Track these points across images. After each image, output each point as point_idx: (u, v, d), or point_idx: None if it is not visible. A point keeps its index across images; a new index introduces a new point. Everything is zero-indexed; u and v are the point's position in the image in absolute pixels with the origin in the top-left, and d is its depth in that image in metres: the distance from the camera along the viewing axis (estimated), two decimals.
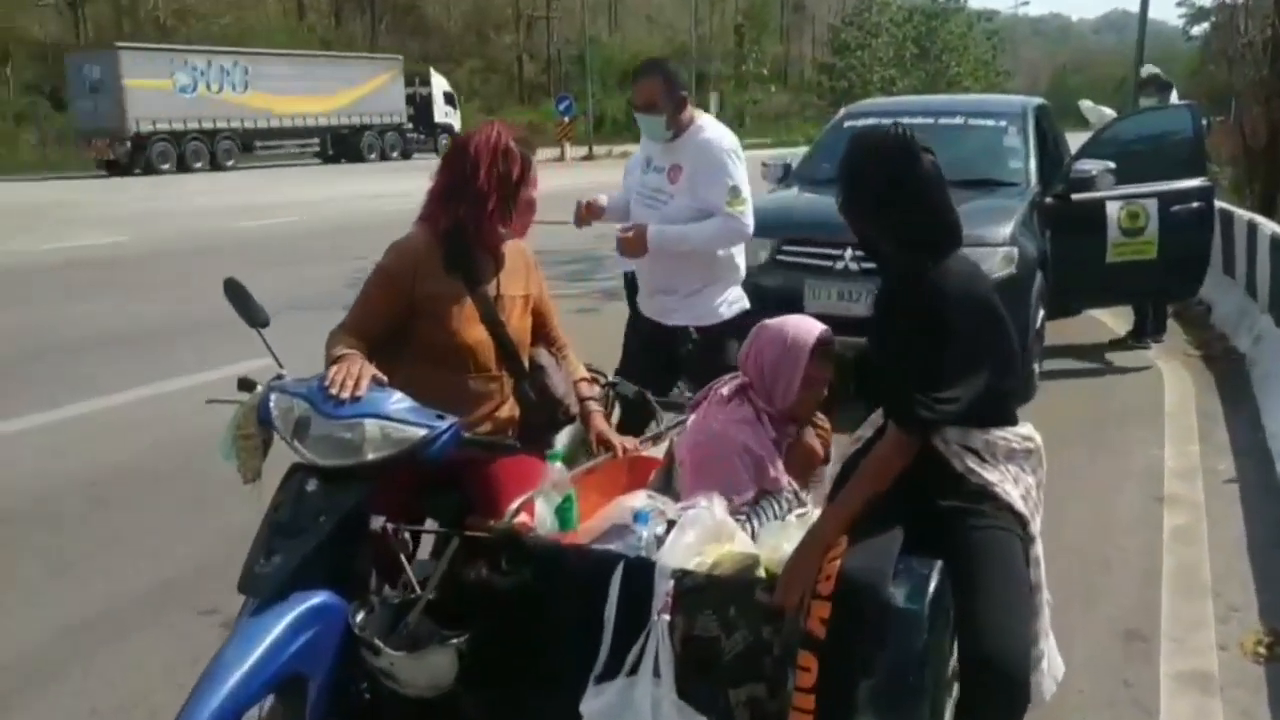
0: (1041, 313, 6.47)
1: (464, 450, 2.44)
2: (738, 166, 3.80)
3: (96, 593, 3.93)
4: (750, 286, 6.32)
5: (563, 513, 2.38)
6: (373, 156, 36.81)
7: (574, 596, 2.26)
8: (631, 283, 4.51)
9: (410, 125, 38.90)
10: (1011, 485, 2.36)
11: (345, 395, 2.32)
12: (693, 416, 2.88)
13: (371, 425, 2.31)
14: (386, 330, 2.74)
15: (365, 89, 36.66)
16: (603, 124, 44.77)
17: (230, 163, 32.72)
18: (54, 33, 42.33)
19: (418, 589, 2.40)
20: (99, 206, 19.99)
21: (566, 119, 37.39)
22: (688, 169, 3.81)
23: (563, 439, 2.99)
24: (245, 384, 2.50)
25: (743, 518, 2.50)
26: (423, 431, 2.33)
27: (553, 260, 10.25)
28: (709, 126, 3.87)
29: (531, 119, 48.86)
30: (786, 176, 7.60)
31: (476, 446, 2.47)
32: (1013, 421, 2.45)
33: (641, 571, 2.21)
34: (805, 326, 2.78)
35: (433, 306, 2.70)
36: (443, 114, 39.67)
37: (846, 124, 7.65)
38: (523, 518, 2.42)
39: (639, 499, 2.62)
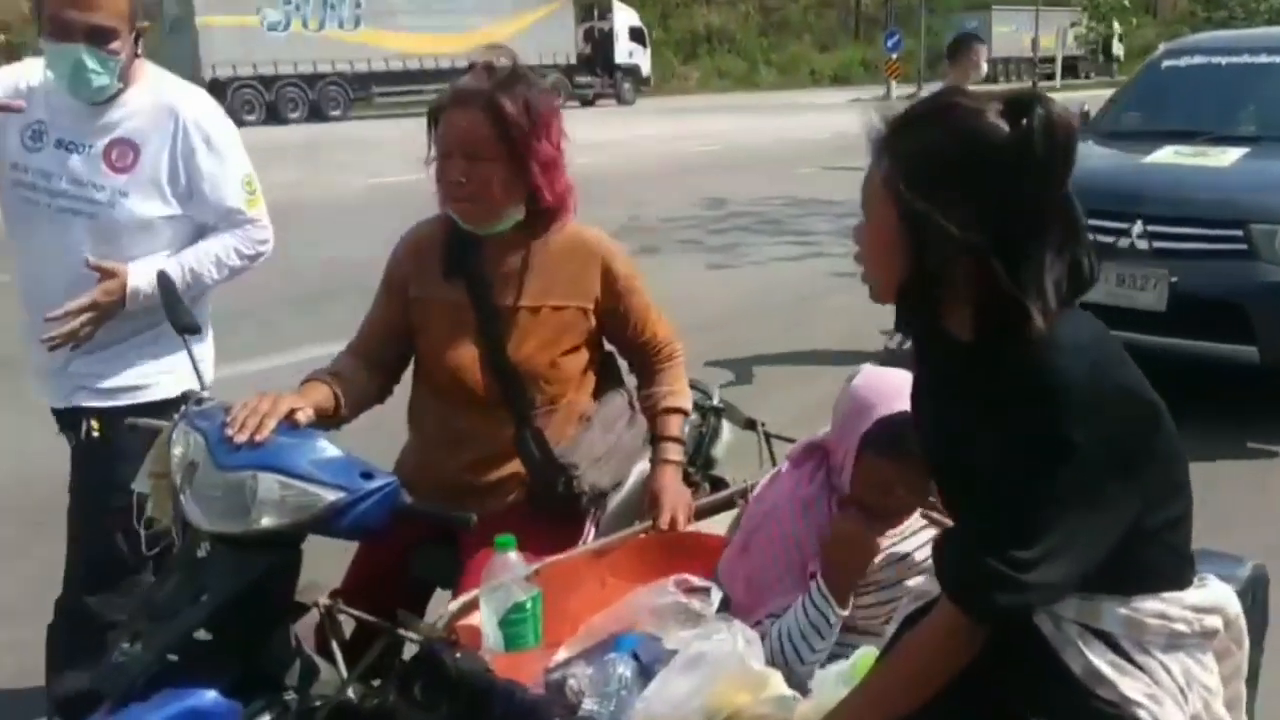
0: None
1: (410, 519, 1.82)
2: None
3: None
4: None
5: (513, 625, 1.69)
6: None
7: None
8: None
9: (581, 66, 33.08)
10: (1173, 705, 1.43)
11: (242, 437, 1.75)
12: (764, 479, 2.10)
13: (268, 481, 1.72)
14: (389, 346, 2.17)
15: (520, 23, 29.95)
16: (939, 61, 42.20)
17: (336, 113, 28.16)
18: None
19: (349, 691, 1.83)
20: None
21: (894, 56, 35.33)
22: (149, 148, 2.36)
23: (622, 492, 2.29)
24: (184, 400, 2.00)
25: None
26: (331, 496, 1.72)
27: None
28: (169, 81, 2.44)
29: (865, 55, 46.94)
30: (1083, 127, 6.32)
31: (420, 516, 1.83)
32: (1181, 582, 1.51)
33: None
34: (881, 392, 1.85)
35: (422, 316, 2.09)
36: (626, 54, 34.01)
37: (1165, 64, 6.27)
38: (474, 620, 1.77)
39: (657, 596, 1.90)
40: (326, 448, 1.79)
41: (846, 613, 1.83)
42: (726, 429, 2.64)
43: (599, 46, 33.77)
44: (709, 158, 17.20)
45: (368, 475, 1.76)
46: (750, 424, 2.58)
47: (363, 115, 28.22)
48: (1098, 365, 1.39)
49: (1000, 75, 36.23)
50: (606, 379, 2.25)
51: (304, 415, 1.84)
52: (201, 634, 1.78)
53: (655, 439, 2.21)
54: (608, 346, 2.26)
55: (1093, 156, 5.71)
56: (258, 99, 26.93)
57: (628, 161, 16.30)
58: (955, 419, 1.48)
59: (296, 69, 27.40)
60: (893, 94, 33.65)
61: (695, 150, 18.17)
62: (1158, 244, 4.77)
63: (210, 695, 1.73)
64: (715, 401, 2.61)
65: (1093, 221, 5.15)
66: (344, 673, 1.84)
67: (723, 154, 17.74)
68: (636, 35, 34.53)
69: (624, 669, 1.66)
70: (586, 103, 32.09)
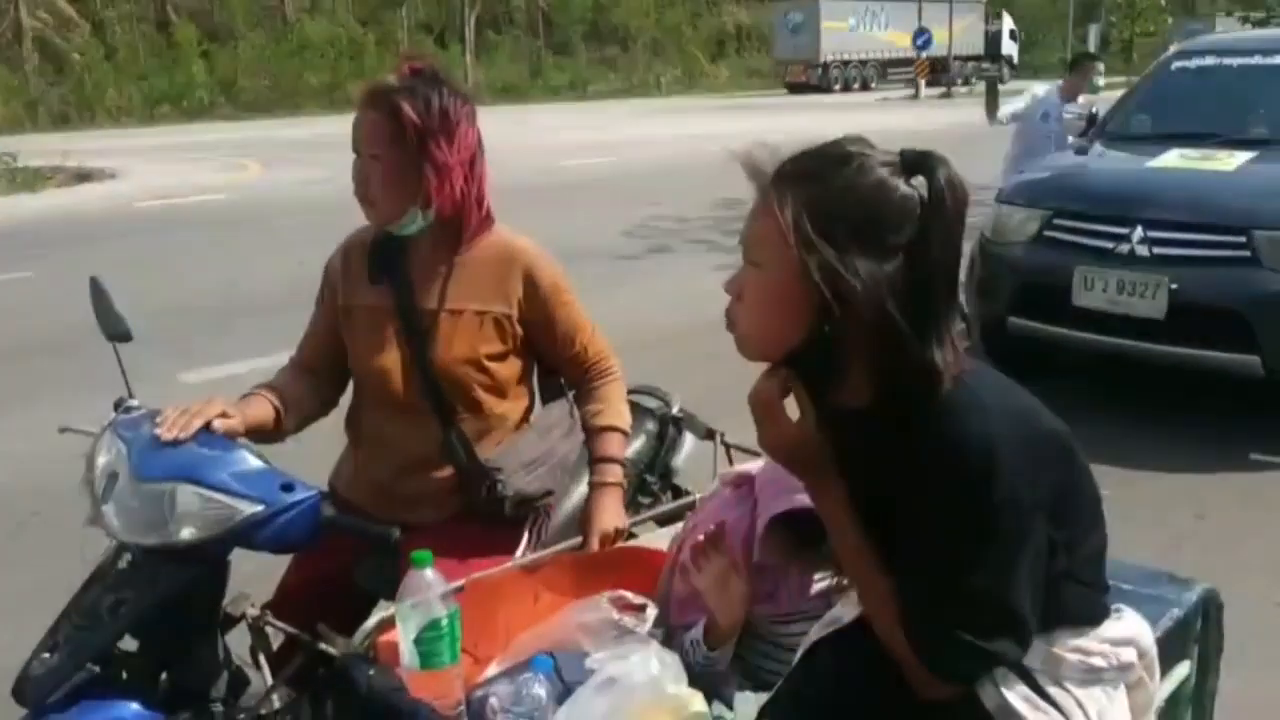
0: None
1: (333, 533, 1.80)
2: None
3: None
4: (1007, 267, 5.26)
5: (429, 643, 1.66)
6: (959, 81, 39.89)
7: None
8: None
9: (984, 55, 43.48)
10: None
11: (169, 435, 1.75)
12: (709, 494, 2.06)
13: (186, 493, 1.71)
14: (326, 355, 2.17)
15: (956, 29, 40.46)
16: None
17: (873, 84, 41.13)
18: None
19: (276, 702, 1.81)
20: None
21: (923, 55, 35.05)
22: None
23: (569, 504, 2.27)
24: (117, 407, 1.99)
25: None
26: (250, 509, 1.71)
27: None
28: None
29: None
30: (1090, 129, 6.22)
31: (342, 530, 1.81)
32: (1098, 617, 1.47)
33: None
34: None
35: (349, 321, 2.08)
36: (1008, 47, 44.15)
37: (1175, 65, 6.16)
38: (391, 636, 1.74)
39: (590, 612, 1.87)
40: (247, 459, 1.78)
41: (716, 654, 1.79)
42: (689, 439, 2.61)
43: (992, 42, 44.24)
44: (762, 150, 17.12)
45: (288, 488, 1.75)
46: (710, 434, 2.55)
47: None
48: (1015, 415, 1.35)
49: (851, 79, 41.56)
50: (548, 392, 2.23)
51: (221, 423, 1.83)
52: (124, 645, 1.78)
53: (591, 459, 2.17)
54: None
55: (1095, 160, 5.64)
56: (840, 75, 40.78)
57: (645, 162, 16.27)
58: (872, 484, 1.41)
59: (858, 56, 41.53)
60: (921, 93, 33.39)
61: (714, 150, 18.10)
62: (1158, 250, 4.66)
63: (132, 707, 1.73)
64: (675, 411, 2.58)
65: (1092, 226, 5.08)
66: (268, 683, 1.83)
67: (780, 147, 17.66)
68: (1012, 35, 45.06)
69: (538, 689, 1.63)
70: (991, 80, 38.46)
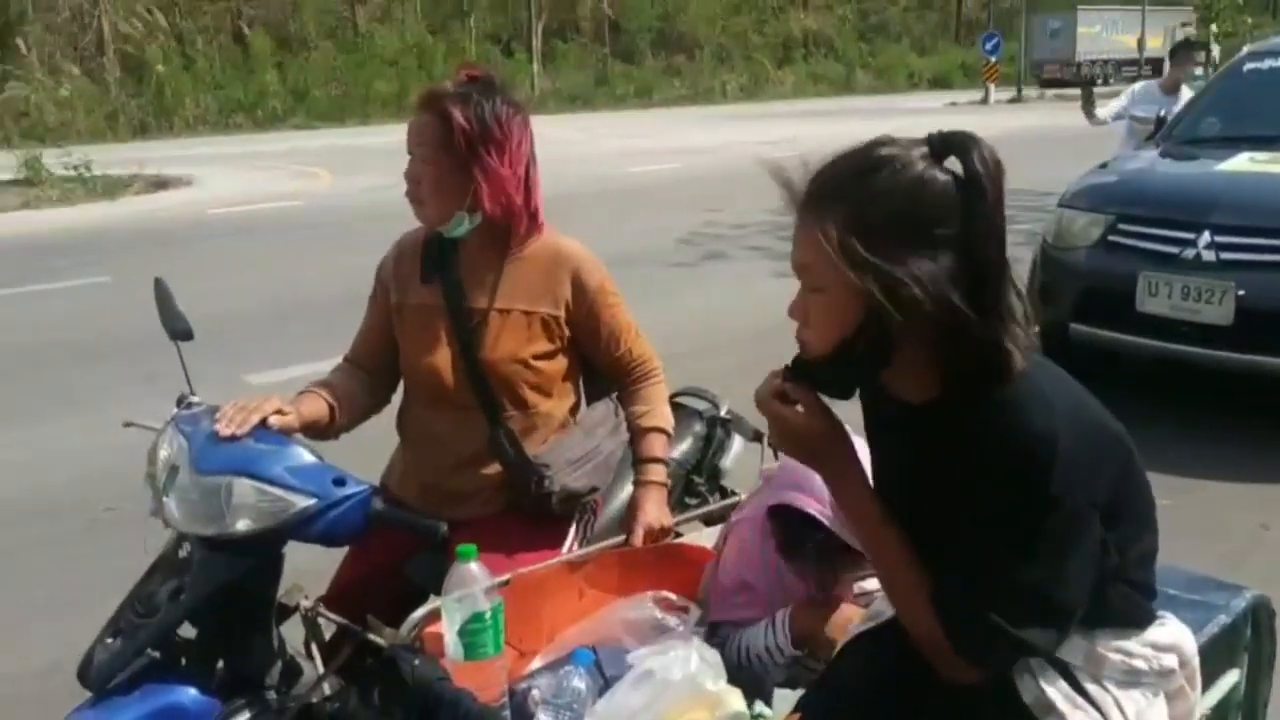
0: None
1: (383, 526, 1.85)
2: None
3: None
4: (1069, 273, 5.18)
5: (472, 634, 1.70)
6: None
7: None
8: None
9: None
10: None
11: (227, 431, 1.81)
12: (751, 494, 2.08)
13: (243, 486, 1.77)
14: (380, 353, 2.23)
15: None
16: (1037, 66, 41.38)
17: (1111, 80, 40.06)
18: None
19: (326, 690, 1.87)
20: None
21: (993, 59, 34.58)
22: None
23: (615, 502, 2.30)
24: (179, 402, 2.07)
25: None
26: (303, 502, 1.76)
27: None
28: None
29: (965, 60, 46.00)
30: (1158, 132, 6.11)
31: (391, 524, 1.86)
32: (1144, 620, 1.46)
33: None
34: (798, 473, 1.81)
35: (401, 320, 2.14)
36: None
37: (1247, 66, 6.03)
38: (437, 627, 1.79)
39: (633, 610, 1.90)
40: (301, 454, 1.84)
41: (801, 653, 1.82)
42: (737, 441, 2.63)
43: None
44: (793, 163, 17.06)
45: (340, 482, 1.80)
46: (758, 435, 2.56)
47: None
48: (1077, 411, 1.35)
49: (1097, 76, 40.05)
50: (594, 391, 2.26)
51: (277, 419, 1.89)
52: (184, 633, 1.85)
53: (635, 459, 2.20)
54: None
55: (1161, 163, 5.54)
56: (1089, 71, 40.15)
57: (708, 168, 16.27)
58: (925, 478, 1.42)
59: (1100, 57, 43.60)
60: (991, 98, 32.95)
61: (780, 155, 18.03)
62: (1225, 255, 4.57)
63: (190, 692, 1.79)
64: (723, 412, 2.60)
65: (1157, 231, 5.00)
66: (319, 673, 1.89)
67: (810, 159, 17.57)
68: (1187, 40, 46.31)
69: (578, 681, 1.67)
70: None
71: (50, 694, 1.79)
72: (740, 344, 6.01)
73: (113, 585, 1.91)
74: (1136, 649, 1.45)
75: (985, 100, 32.83)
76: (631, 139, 22.59)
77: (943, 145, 1.32)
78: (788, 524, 1.82)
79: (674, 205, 12.32)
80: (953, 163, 1.31)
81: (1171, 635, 1.50)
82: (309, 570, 2.09)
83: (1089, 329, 5.01)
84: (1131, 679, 1.44)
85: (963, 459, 1.35)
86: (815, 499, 1.78)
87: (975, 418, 1.33)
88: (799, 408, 1.40)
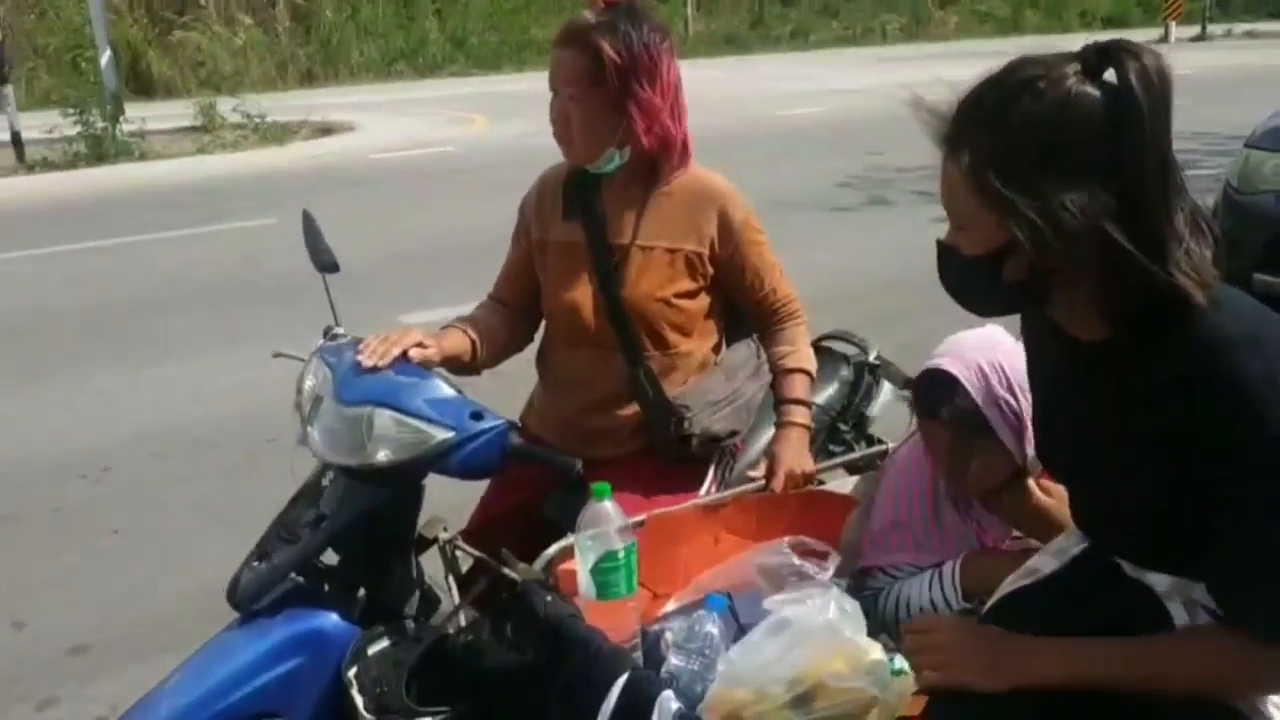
0: None
1: (525, 461, 1.83)
2: None
3: None
4: (1254, 218, 4.80)
5: (605, 573, 1.68)
6: None
7: (571, 699, 1.58)
8: None
9: None
10: None
11: (369, 362, 1.83)
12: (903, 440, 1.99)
13: (383, 417, 1.78)
14: (522, 291, 2.21)
15: None
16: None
17: None
18: None
19: (462, 621, 1.89)
20: None
21: None
22: None
23: (755, 446, 2.24)
24: (325, 334, 2.10)
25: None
26: (441, 434, 1.76)
27: None
28: None
29: None
30: None
31: (527, 459, 1.84)
32: None
33: (644, 694, 1.48)
34: (955, 345, 1.77)
35: (542, 257, 2.11)
36: None
37: None
38: (571, 564, 1.77)
39: (770, 555, 1.85)
40: (440, 387, 1.84)
41: (972, 605, 1.74)
42: (886, 388, 2.53)
43: None
44: (940, 94, 16.52)
45: (478, 416, 1.80)
46: (908, 383, 2.45)
47: None
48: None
49: None
50: (736, 331, 2.20)
51: (418, 353, 1.89)
52: (327, 560, 1.89)
53: (777, 401, 2.14)
54: None
55: None
56: None
57: (869, 110, 15.81)
58: (1109, 428, 1.30)
59: None
60: (1171, 37, 31.00)
61: (937, 98, 17.44)
62: None
63: (332, 617, 1.83)
64: (872, 358, 2.51)
65: None
66: (455, 605, 1.91)
67: (959, 89, 16.98)
68: None
69: (711, 626, 1.62)
70: None
71: (221, 611, 1.86)
72: (894, 290, 5.84)
73: (271, 512, 1.96)
74: None
75: (1165, 39, 30.90)
76: (785, 81, 22.16)
77: (1098, 56, 1.19)
78: (930, 385, 1.75)
79: (831, 149, 12.05)
80: (1108, 76, 1.18)
81: None
82: (451, 504, 2.11)
83: (1275, 279, 4.66)
84: None
85: (1157, 413, 1.22)
86: (956, 359, 1.72)
87: (1165, 364, 1.21)
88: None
